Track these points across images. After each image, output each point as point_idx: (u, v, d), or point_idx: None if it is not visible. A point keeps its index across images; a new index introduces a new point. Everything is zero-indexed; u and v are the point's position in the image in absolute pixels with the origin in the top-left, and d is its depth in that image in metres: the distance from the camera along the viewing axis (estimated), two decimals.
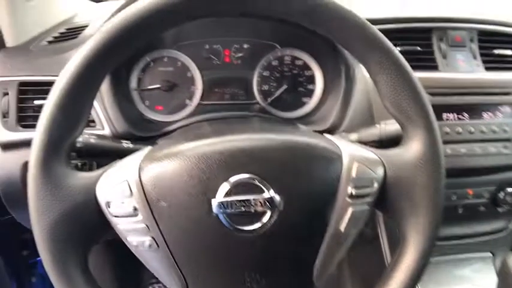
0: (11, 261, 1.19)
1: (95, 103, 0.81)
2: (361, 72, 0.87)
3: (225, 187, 0.50)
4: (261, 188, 0.51)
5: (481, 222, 1.01)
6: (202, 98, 0.94)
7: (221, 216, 0.51)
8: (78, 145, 0.65)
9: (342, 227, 0.55)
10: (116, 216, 0.52)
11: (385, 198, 0.57)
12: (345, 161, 0.55)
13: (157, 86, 0.92)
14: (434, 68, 0.94)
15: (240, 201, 0.50)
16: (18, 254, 1.23)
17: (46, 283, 1.36)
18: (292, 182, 0.52)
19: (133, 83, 0.92)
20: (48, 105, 0.49)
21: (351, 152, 0.56)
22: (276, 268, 0.54)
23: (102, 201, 0.52)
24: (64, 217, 0.50)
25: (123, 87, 0.91)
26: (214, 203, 0.50)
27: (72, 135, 0.52)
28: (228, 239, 0.51)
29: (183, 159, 0.51)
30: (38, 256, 1.33)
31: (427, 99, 0.55)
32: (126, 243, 0.54)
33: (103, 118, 0.81)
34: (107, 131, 0.81)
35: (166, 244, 0.52)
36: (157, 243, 0.52)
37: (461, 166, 0.89)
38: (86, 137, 0.67)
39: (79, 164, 0.79)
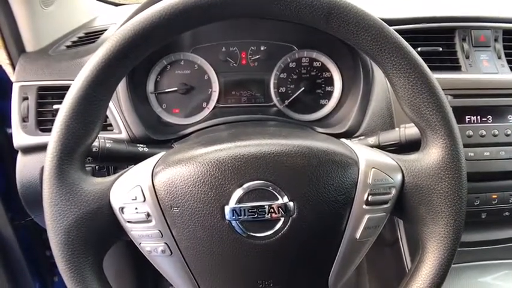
0: (34, 261, 1.21)
1: (112, 107, 0.82)
2: (381, 74, 0.85)
3: (238, 193, 0.50)
4: (275, 195, 0.50)
5: (506, 228, 0.98)
6: (219, 100, 0.94)
7: (234, 223, 0.50)
8: (94, 150, 0.66)
9: (358, 235, 0.53)
10: (129, 222, 0.52)
11: (404, 205, 0.56)
12: (362, 166, 0.53)
13: (175, 89, 0.92)
14: (457, 68, 0.92)
15: (253, 207, 0.50)
16: (41, 254, 1.25)
17: None
18: (306, 189, 0.51)
19: (150, 86, 0.93)
20: (62, 110, 0.50)
21: (368, 158, 0.55)
22: (290, 276, 0.53)
23: (116, 206, 0.52)
24: (78, 222, 0.50)
25: (140, 90, 0.91)
26: (227, 209, 0.50)
27: (87, 141, 0.52)
28: (241, 246, 0.51)
29: (196, 165, 0.51)
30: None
31: (447, 102, 0.53)
32: (140, 248, 0.54)
33: (120, 122, 0.82)
34: (123, 135, 0.81)
35: (180, 250, 0.52)
36: (170, 249, 0.52)
37: (485, 170, 0.86)
38: (102, 141, 0.67)
39: (96, 167, 0.80)
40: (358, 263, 0.57)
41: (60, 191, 0.50)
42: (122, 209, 0.52)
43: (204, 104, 0.94)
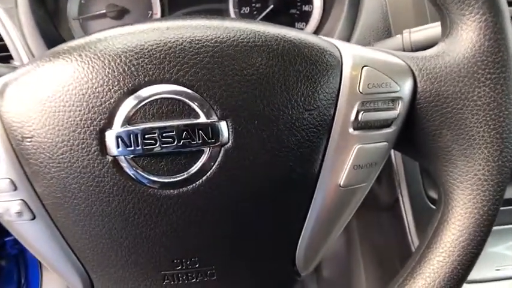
0: None
1: (15, 37, 0.61)
2: None
3: (127, 107, 0.29)
4: (193, 109, 0.29)
5: None
6: None
7: (123, 160, 0.29)
8: None
9: (342, 179, 0.33)
10: None
11: (415, 130, 0.35)
12: (347, 64, 0.32)
13: (102, 11, 0.70)
14: None
15: (153, 131, 0.29)
16: None
17: (21, 264, 1.20)
18: (248, 99, 0.30)
19: (73, 10, 0.71)
20: None
21: (357, 53, 0.34)
22: (226, 250, 0.33)
23: None
24: None
25: (60, 16, 0.70)
26: (110, 136, 0.29)
27: None
28: (137, 202, 0.30)
29: (64, 63, 0.30)
30: (5, 236, 1.16)
31: None
32: None
33: (24, 56, 0.61)
34: None
35: (46, 211, 0.32)
36: (31, 210, 0.32)
37: None
38: None
39: None
40: (341, 229, 0.36)
41: None
42: None
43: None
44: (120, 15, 0.71)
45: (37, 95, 0.30)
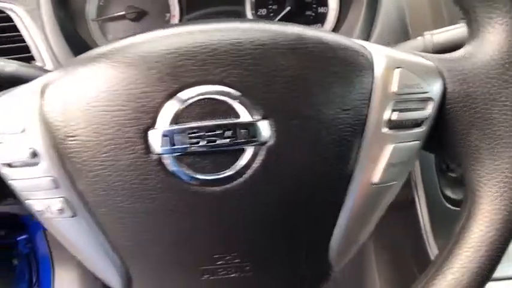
0: None
1: (37, 38, 0.62)
2: None
3: (171, 107, 0.30)
4: (234, 109, 0.30)
5: None
6: None
7: (167, 159, 0.30)
8: None
9: (377, 177, 0.33)
10: (7, 165, 0.33)
11: (444, 130, 0.36)
12: (380, 66, 0.33)
13: (122, 13, 0.71)
14: None
15: (197, 129, 0.30)
16: None
17: (32, 263, 1.21)
18: (289, 99, 0.30)
19: (91, 11, 0.72)
20: None
21: (389, 54, 0.34)
22: (264, 246, 0.34)
23: None
24: None
25: (79, 18, 0.71)
26: (154, 135, 0.30)
27: None
28: (180, 198, 0.31)
29: (105, 67, 0.30)
30: (18, 235, 1.17)
31: None
32: (28, 208, 0.34)
33: (46, 56, 0.61)
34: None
35: (88, 208, 0.33)
36: (72, 207, 0.32)
37: None
38: (1, 64, 0.47)
39: None
40: (373, 226, 0.37)
41: None
42: None
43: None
44: (139, 17, 0.72)
45: (81, 96, 0.31)
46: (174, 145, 0.30)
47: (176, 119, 0.30)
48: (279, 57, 0.30)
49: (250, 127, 0.30)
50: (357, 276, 0.96)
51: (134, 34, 0.33)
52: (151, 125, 0.30)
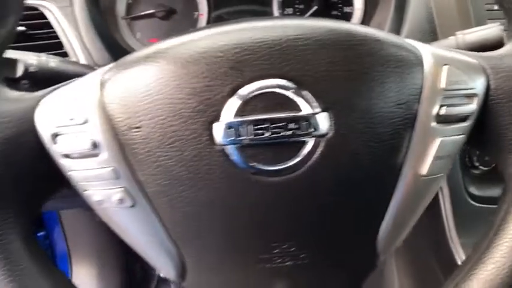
0: None
1: (70, 35, 0.62)
2: None
3: (234, 101, 0.31)
4: (296, 102, 0.31)
5: None
6: None
7: (230, 149, 0.31)
8: (31, 69, 0.46)
9: (425, 169, 0.35)
10: (66, 156, 0.34)
11: (487, 125, 0.37)
12: (428, 63, 0.34)
13: (151, 11, 0.72)
14: None
15: (261, 121, 0.31)
16: None
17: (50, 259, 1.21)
18: (347, 92, 0.32)
19: (120, 9, 0.73)
20: None
21: (436, 52, 0.35)
22: (322, 236, 0.35)
23: (44, 133, 0.34)
24: None
25: (109, 15, 0.72)
26: (219, 127, 0.31)
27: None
28: (242, 187, 0.32)
29: (166, 62, 0.32)
30: (36, 231, 1.17)
31: None
32: (85, 199, 0.35)
33: (79, 51, 0.62)
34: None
35: (147, 198, 0.34)
36: (132, 197, 0.33)
37: None
38: (44, 59, 0.48)
39: None
40: (418, 216, 0.38)
41: None
42: (53, 136, 0.33)
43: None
44: (168, 15, 0.73)
45: (143, 89, 0.31)
46: (239, 136, 0.31)
47: (240, 111, 0.31)
48: (337, 52, 0.31)
49: (312, 119, 0.31)
50: (375, 271, 0.96)
51: (191, 31, 0.34)
52: (216, 117, 0.31)
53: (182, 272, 0.36)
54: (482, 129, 0.38)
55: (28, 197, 0.35)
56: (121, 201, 0.34)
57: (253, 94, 0.31)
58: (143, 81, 0.32)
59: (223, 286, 0.37)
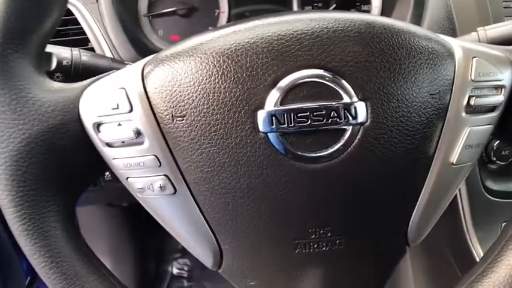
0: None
1: (97, 31, 0.64)
2: None
3: (277, 90, 0.32)
4: (336, 91, 0.32)
5: None
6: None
7: (272, 137, 0.33)
8: (64, 63, 0.48)
9: (455, 157, 0.36)
10: (109, 145, 0.36)
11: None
12: (458, 55, 0.35)
13: (173, 9, 0.74)
14: None
15: (303, 110, 0.32)
16: None
17: None
18: (384, 82, 0.33)
19: (143, 6, 0.74)
20: None
21: (464, 45, 0.37)
22: (357, 222, 0.36)
23: (88, 122, 0.35)
24: (31, 146, 0.34)
25: (130, 13, 0.73)
26: (262, 115, 0.32)
27: (42, 23, 0.35)
28: (283, 173, 0.33)
29: (208, 54, 0.33)
30: None
31: None
32: (127, 186, 0.37)
33: (105, 45, 0.64)
34: None
35: (187, 185, 0.35)
36: (173, 185, 0.35)
37: None
38: (76, 53, 0.50)
39: None
40: (448, 203, 0.39)
41: (2, 95, 0.33)
42: (97, 125, 0.35)
43: (210, 29, 0.75)
44: (189, 13, 0.74)
45: (190, 79, 0.33)
46: (282, 124, 0.32)
47: (282, 100, 0.32)
48: (374, 44, 0.33)
49: (351, 108, 0.32)
50: None
51: (230, 24, 0.35)
52: (260, 105, 0.32)
53: (220, 262, 0.38)
54: (506, 119, 0.39)
55: (69, 185, 0.36)
56: (162, 188, 0.35)
57: (295, 84, 0.32)
58: (187, 73, 0.33)
59: (259, 272, 0.38)
